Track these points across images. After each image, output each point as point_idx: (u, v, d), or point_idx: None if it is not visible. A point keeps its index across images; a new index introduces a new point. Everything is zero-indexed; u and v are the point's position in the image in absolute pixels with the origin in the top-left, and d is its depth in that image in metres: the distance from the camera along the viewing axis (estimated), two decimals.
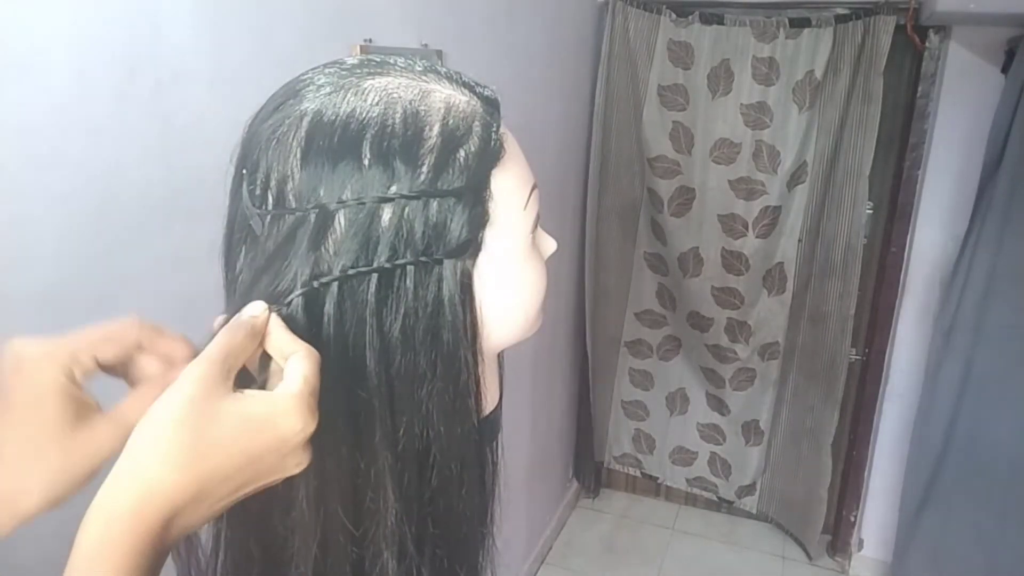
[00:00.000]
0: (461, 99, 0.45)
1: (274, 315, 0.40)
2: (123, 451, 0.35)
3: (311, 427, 0.38)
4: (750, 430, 2.73)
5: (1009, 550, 2.06)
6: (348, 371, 0.42)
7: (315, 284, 0.41)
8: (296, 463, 0.39)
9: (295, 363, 0.39)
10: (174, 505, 0.34)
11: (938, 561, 2.20)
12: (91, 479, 0.39)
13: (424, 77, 0.45)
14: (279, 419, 0.37)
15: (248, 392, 0.37)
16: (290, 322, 0.41)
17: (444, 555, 0.47)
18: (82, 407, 0.39)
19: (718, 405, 2.76)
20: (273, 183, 0.42)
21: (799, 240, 2.44)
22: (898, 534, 2.32)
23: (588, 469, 3.00)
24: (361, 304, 0.41)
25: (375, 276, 0.41)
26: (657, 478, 2.97)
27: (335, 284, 0.41)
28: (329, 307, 0.41)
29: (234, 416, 0.36)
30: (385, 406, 0.42)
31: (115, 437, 0.39)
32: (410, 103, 0.43)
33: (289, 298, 0.41)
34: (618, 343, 2.84)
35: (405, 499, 0.44)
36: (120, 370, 0.43)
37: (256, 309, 0.40)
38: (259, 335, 0.39)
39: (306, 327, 0.41)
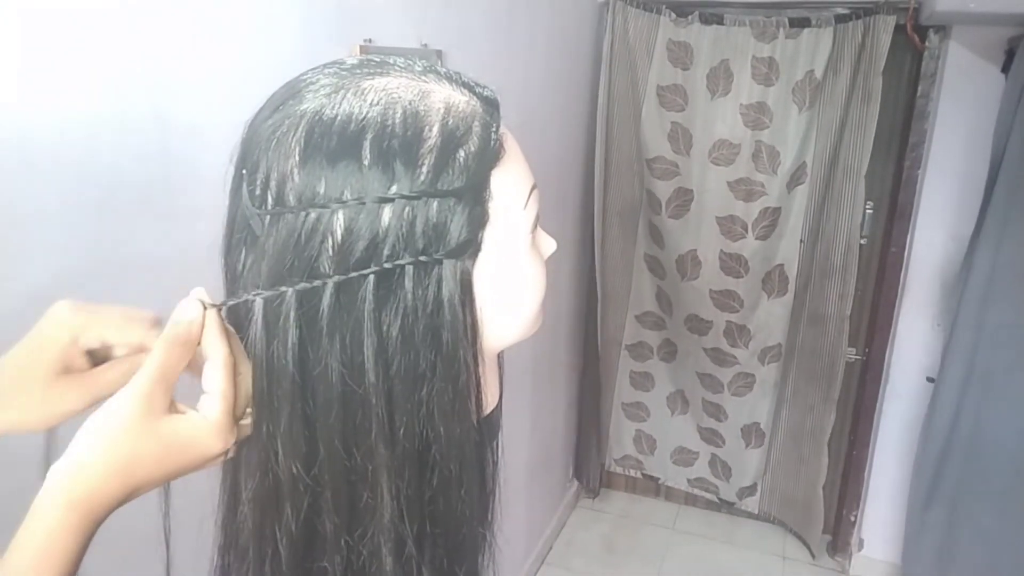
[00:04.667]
0: (461, 99, 0.45)
1: (211, 312, 0.43)
2: (69, 451, 0.40)
3: (230, 443, 0.43)
4: (750, 433, 2.72)
5: (1013, 548, 2.06)
6: (346, 369, 0.42)
7: (307, 285, 0.41)
8: (215, 464, 0.44)
9: (210, 378, 0.42)
10: (108, 502, 0.40)
11: (945, 560, 2.20)
12: (58, 421, 0.46)
13: (424, 77, 0.45)
14: (202, 442, 0.42)
15: (177, 417, 0.42)
16: (285, 321, 0.41)
17: (444, 555, 0.47)
18: (71, 364, 0.46)
19: (715, 411, 2.75)
20: (273, 183, 0.42)
21: (801, 241, 2.44)
22: (906, 533, 2.32)
23: (589, 469, 2.99)
24: (359, 304, 0.41)
25: (373, 276, 0.41)
26: (658, 479, 2.97)
27: (331, 284, 0.41)
28: (325, 306, 0.41)
29: (165, 438, 0.41)
30: (383, 405, 0.42)
31: (84, 395, 0.46)
32: (410, 103, 0.43)
33: (254, 294, 0.42)
34: (619, 345, 2.83)
35: (405, 498, 0.44)
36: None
37: (191, 313, 0.42)
38: (195, 341, 0.43)
39: (302, 326, 0.41)
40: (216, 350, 0.42)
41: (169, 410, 0.41)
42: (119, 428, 0.40)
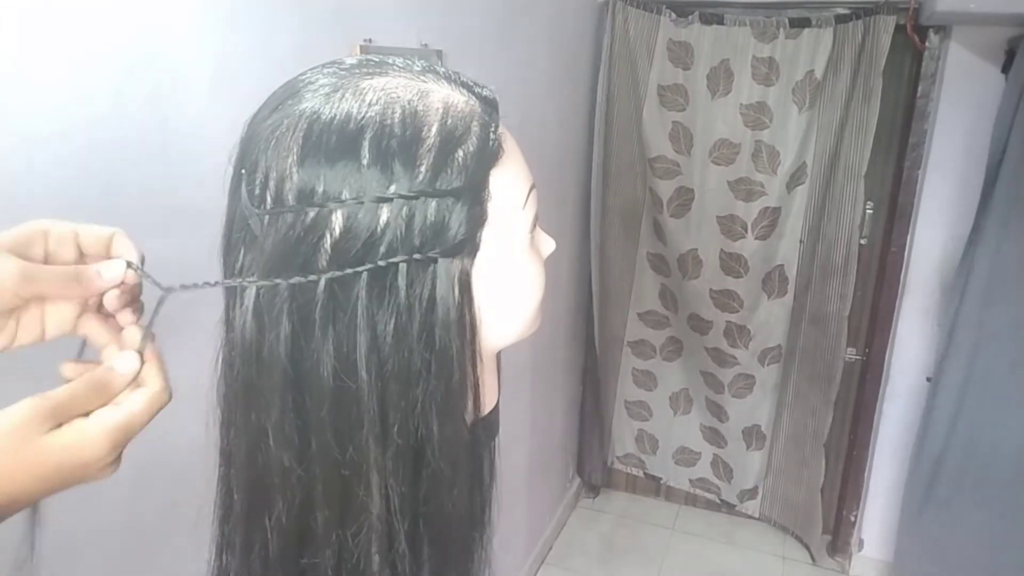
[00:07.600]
0: (459, 99, 0.45)
1: (150, 346, 0.44)
2: None
3: (111, 459, 0.41)
4: (751, 435, 2.72)
5: (1010, 549, 2.06)
6: (339, 364, 0.42)
7: (301, 278, 0.41)
8: (102, 478, 0.42)
9: (134, 403, 0.42)
10: None
11: (939, 560, 2.20)
12: None
13: (423, 77, 0.45)
14: (85, 451, 0.40)
15: (61, 431, 0.40)
16: (279, 313, 0.41)
17: (436, 555, 0.47)
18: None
19: (717, 411, 2.76)
20: (272, 183, 0.42)
21: (800, 241, 2.44)
22: (899, 533, 2.32)
23: (590, 469, 2.99)
24: (353, 300, 0.41)
25: (367, 274, 0.41)
26: (660, 478, 2.97)
27: (324, 279, 0.41)
28: (318, 301, 0.41)
29: (44, 453, 0.39)
30: (375, 401, 0.42)
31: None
32: (408, 103, 0.43)
33: (234, 282, 0.43)
34: (621, 343, 2.84)
35: (398, 496, 0.44)
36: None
37: (128, 367, 0.42)
38: (116, 392, 0.42)
39: (295, 319, 0.42)
40: (154, 381, 0.43)
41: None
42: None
